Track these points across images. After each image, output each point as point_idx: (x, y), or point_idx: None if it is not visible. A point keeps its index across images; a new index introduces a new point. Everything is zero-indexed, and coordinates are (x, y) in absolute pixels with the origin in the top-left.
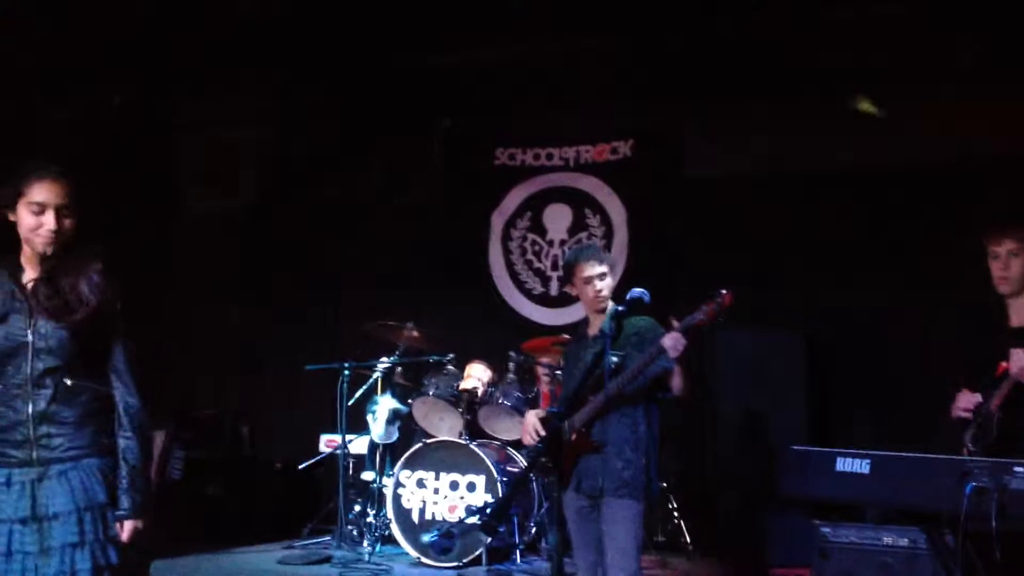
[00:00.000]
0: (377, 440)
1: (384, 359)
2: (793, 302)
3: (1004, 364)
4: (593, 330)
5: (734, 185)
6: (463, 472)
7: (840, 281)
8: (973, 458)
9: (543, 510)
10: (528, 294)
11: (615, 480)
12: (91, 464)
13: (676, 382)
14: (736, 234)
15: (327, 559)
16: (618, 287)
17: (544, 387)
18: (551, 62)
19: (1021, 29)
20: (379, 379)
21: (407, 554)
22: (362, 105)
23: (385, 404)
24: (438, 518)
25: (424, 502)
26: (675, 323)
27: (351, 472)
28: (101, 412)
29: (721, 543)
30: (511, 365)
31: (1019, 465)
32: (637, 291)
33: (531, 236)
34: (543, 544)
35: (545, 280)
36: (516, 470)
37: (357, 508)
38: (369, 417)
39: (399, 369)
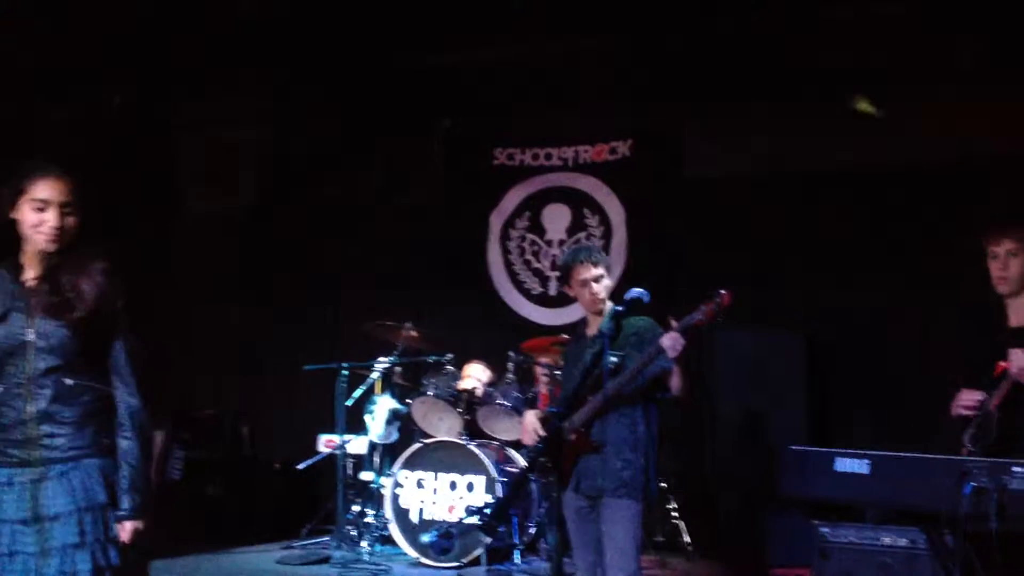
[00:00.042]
0: (376, 440)
1: (383, 359)
2: (793, 302)
3: (1003, 364)
4: (592, 330)
5: (734, 185)
6: (462, 472)
7: (840, 281)
8: (972, 458)
9: (542, 510)
10: (527, 294)
11: (614, 480)
12: (91, 464)
13: (675, 382)
14: (736, 234)
15: (326, 559)
16: (617, 287)
17: (543, 387)
18: (551, 62)
19: (1021, 29)
20: (378, 379)
21: (406, 554)
22: (362, 105)
23: (384, 404)
24: (437, 518)
25: (423, 502)
26: (674, 323)
27: (350, 472)
28: (102, 412)
29: (720, 543)
30: (510, 365)
31: (1018, 465)
32: (636, 291)
33: (530, 236)
34: (542, 544)
35: (544, 280)
36: (515, 470)
37: (356, 508)
38: (368, 417)
39: (398, 369)
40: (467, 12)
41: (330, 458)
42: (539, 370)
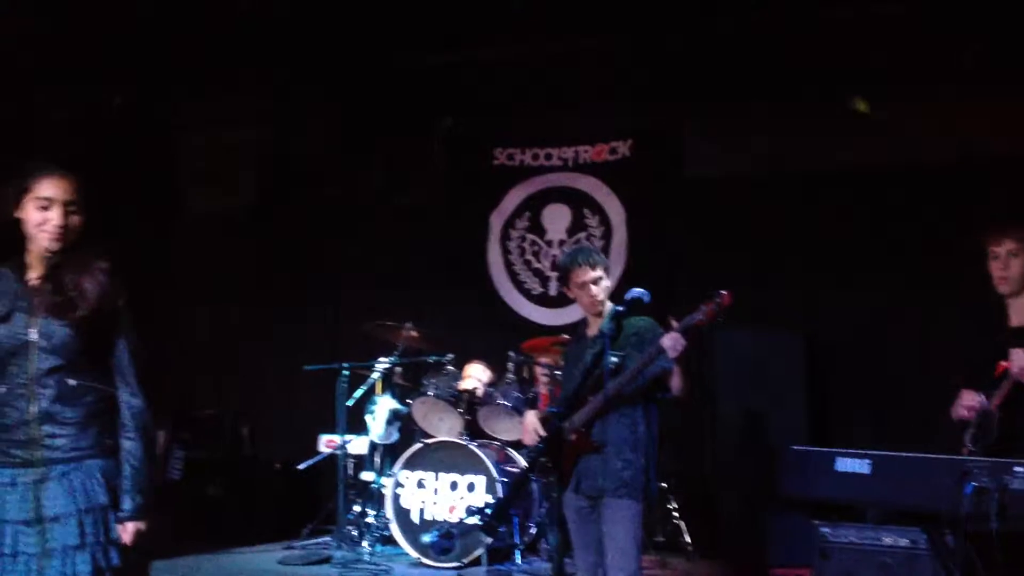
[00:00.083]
0: (377, 440)
1: (383, 359)
2: (793, 302)
3: (1004, 364)
4: (592, 331)
5: (734, 185)
6: (463, 472)
7: (840, 281)
8: (973, 458)
9: (543, 510)
10: (527, 294)
11: (615, 480)
12: (93, 465)
13: (675, 382)
14: (736, 234)
15: (327, 559)
16: (617, 287)
17: (543, 387)
18: (551, 62)
19: (1021, 29)
20: (378, 379)
21: (407, 554)
22: (362, 105)
23: (384, 404)
24: (438, 518)
25: (424, 502)
26: (674, 323)
27: (351, 472)
28: (105, 413)
29: (721, 543)
30: (510, 365)
31: (1019, 465)
32: (637, 291)
33: (530, 236)
34: (543, 544)
35: (544, 280)
36: (516, 470)
37: (357, 508)
38: (368, 417)
39: (398, 369)
40: (467, 12)
41: (331, 458)
42: (539, 370)
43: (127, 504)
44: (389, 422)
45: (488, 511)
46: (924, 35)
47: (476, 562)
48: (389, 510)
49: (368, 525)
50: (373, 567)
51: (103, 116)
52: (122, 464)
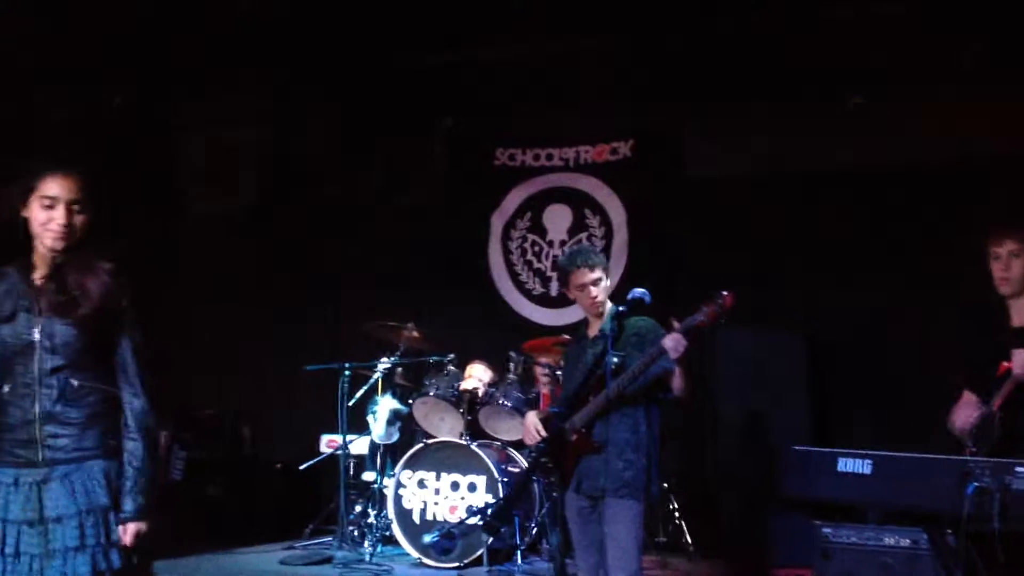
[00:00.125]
0: (378, 440)
1: (384, 359)
2: (793, 302)
3: (1006, 364)
4: (593, 331)
5: (734, 185)
6: (464, 472)
7: (840, 281)
8: (975, 458)
9: (544, 510)
10: (528, 294)
11: (616, 480)
12: (94, 466)
13: (677, 383)
14: (736, 234)
15: (328, 560)
16: (618, 288)
17: (544, 387)
18: (551, 62)
19: (1021, 29)
20: (379, 379)
21: (408, 555)
22: (362, 105)
23: (386, 404)
24: (439, 519)
25: (425, 503)
26: (676, 324)
27: (352, 473)
28: (108, 414)
29: (722, 543)
30: (511, 365)
31: (1021, 465)
32: (638, 291)
33: (531, 236)
34: (544, 545)
35: (545, 280)
36: (517, 470)
37: (358, 509)
38: (370, 417)
39: (399, 369)
40: (467, 12)
41: (332, 458)
42: (539, 370)
43: (128, 505)
44: (390, 422)
45: (489, 511)
46: (924, 35)
47: (477, 562)
48: (390, 510)
49: (369, 525)
50: (374, 567)
51: (103, 116)
52: (124, 465)
